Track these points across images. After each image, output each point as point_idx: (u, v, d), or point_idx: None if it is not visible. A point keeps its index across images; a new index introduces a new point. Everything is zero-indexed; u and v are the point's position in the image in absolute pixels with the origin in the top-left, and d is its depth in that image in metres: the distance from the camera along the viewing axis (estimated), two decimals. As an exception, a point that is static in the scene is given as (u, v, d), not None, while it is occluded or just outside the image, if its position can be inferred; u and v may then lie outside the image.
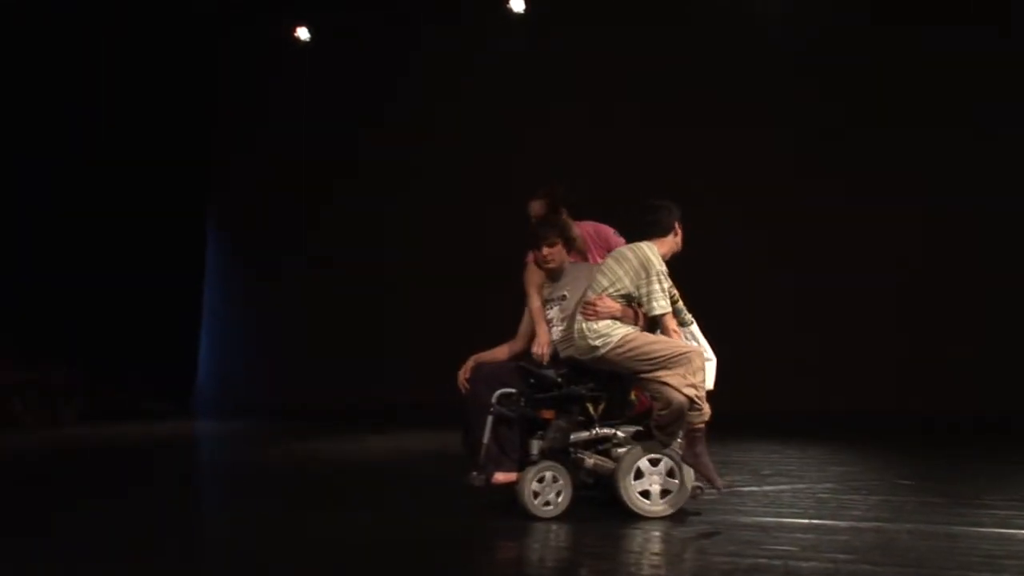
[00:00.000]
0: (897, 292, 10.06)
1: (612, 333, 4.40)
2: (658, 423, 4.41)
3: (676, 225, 4.64)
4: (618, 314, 4.44)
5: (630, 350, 4.36)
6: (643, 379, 4.40)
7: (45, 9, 10.74)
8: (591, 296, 4.51)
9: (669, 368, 4.31)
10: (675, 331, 4.48)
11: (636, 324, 4.51)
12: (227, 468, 7.36)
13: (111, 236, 11.88)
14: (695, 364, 4.32)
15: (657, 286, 4.43)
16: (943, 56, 9.82)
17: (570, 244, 4.84)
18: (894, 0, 10.10)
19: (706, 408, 4.34)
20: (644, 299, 4.45)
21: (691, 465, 4.39)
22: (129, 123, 12.04)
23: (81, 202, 11.72)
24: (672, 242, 4.63)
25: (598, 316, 4.42)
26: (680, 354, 4.32)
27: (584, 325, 4.45)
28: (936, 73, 9.89)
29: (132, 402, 11.76)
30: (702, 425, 4.33)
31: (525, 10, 11.24)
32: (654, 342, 4.38)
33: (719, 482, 4.38)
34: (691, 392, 4.28)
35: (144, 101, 12.11)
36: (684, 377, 4.29)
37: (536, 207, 5.04)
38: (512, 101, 11.50)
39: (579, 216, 5.12)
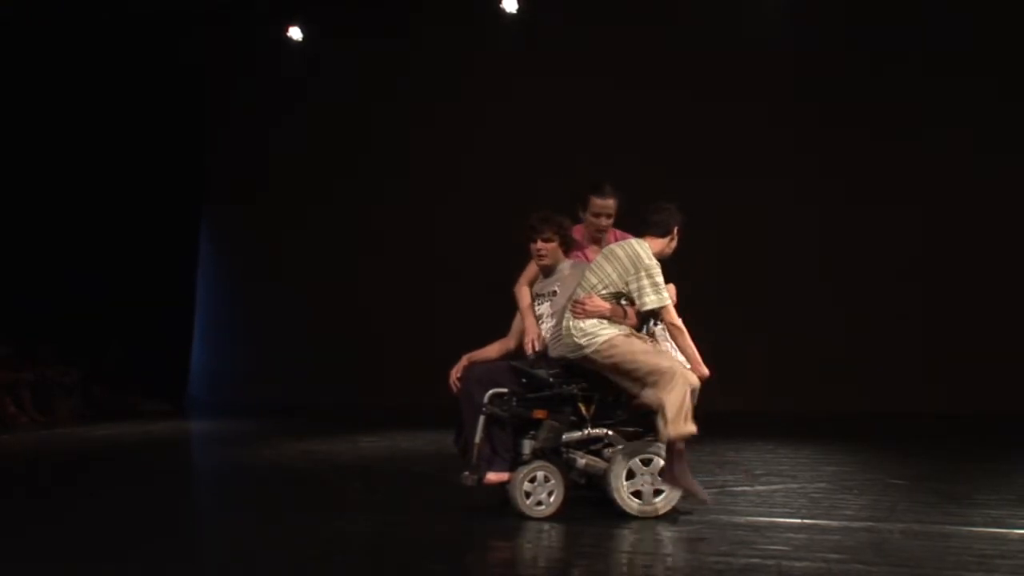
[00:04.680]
0: (892, 293, 10.07)
1: (599, 333, 4.39)
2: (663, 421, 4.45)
3: (675, 230, 4.63)
4: (607, 313, 4.44)
5: (611, 356, 4.35)
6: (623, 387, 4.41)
7: (42, 9, 10.72)
8: (580, 294, 4.50)
9: (647, 384, 4.29)
10: (674, 324, 4.45)
11: (626, 322, 4.51)
12: (220, 468, 7.34)
13: (106, 236, 11.87)
14: (675, 382, 4.23)
15: (646, 281, 4.41)
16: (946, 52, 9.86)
17: (568, 245, 4.85)
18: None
19: (686, 427, 4.22)
20: (635, 295, 4.44)
21: (673, 484, 4.29)
22: (123, 124, 12.02)
23: (76, 202, 11.70)
24: (665, 244, 4.61)
25: (586, 314, 4.42)
26: (660, 371, 4.27)
27: (572, 323, 4.44)
28: (943, 72, 9.90)
29: (126, 402, 11.71)
30: (682, 443, 4.27)
31: (518, 10, 11.20)
32: (636, 355, 4.33)
33: (704, 495, 4.30)
34: (665, 412, 4.22)
35: (139, 100, 12.09)
36: (659, 397, 4.24)
37: (609, 204, 4.85)
38: (509, 101, 11.49)
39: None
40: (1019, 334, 9.46)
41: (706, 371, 4.44)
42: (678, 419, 4.22)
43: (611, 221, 4.90)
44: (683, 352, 4.46)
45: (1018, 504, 4.65)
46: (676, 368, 4.30)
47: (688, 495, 4.35)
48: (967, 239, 9.85)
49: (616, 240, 4.81)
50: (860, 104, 10.26)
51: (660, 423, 4.26)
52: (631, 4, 11.07)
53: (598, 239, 4.94)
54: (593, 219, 4.88)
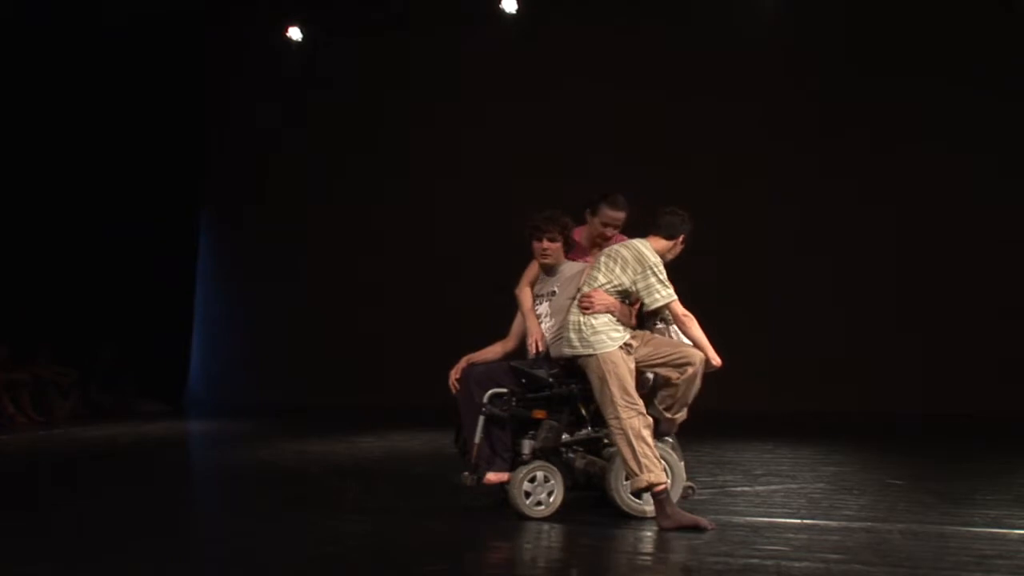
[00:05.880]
0: (892, 293, 10.08)
1: (607, 342, 4.38)
2: (663, 405, 4.52)
3: (682, 236, 4.63)
4: (614, 308, 4.45)
5: (600, 378, 4.36)
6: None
7: (40, 10, 10.71)
8: (587, 290, 4.51)
9: (616, 411, 4.31)
10: (685, 315, 4.48)
11: (631, 321, 4.57)
12: (219, 468, 7.34)
13: (103, 236, 11.84)
14: (638, 428, 4.27)
15: (653, 279, 4.44)
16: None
17: (569, 245, 4.86)
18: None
19: (651, 475, 4.21)
20: (643, 293, 4.47)
21: (670, 528, 4.20)
22: (123, 124, 12.00)
23: (75, 202, 11.68)
24: (668, 247, 4.61)
25: (594, 309, 4.42)
26: (627, 416, 4.28)
27: (583, 319, 4.44)
28: (944, 73, 9.89)
29: (124, 402, 11.70)
30: (663, 488, 4.26)
31: (517, 11, 11.19)
32: (616, 390, 4.31)
33: (705, 523, 4.22)
34: (628, 468, 4.27)
35: (137, 101, 12.08)
36: (626, 429, 4.27)
37: (620, 217, 4.83)
38: (509, 101, 11.48)
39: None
40: (1018, 335, 9.47)
41: (718, 360, 4.47)
42: (639, 471, 4.24)
43: (616, 232, 4.90)
44: (695, 343, 4.49)
45: (1016, 504, 4.66)
46: (647, 421, 4.33)
47: (692, 528, 4.20)
48: (967, 239, 9.85)
49: (617, 242, 4.82)
50: (860, 104, 10.27)
51: (629, 482, 4.33)
52: (631, 4, 11.07)
53: (600, 245, 4.93)
54: (600, 227, 4.87)
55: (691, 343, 4.54)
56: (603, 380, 4.35)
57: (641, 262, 4.47)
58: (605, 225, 4.85)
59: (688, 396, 4.52)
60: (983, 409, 9.09)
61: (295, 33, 12.30)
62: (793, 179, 10.37)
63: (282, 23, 12.22)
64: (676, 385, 4.46)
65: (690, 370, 4.43)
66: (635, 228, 4.82)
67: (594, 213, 4.87)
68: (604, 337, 4.39)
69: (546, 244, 4.76)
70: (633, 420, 4.29)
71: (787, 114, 10.46)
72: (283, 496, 5.59)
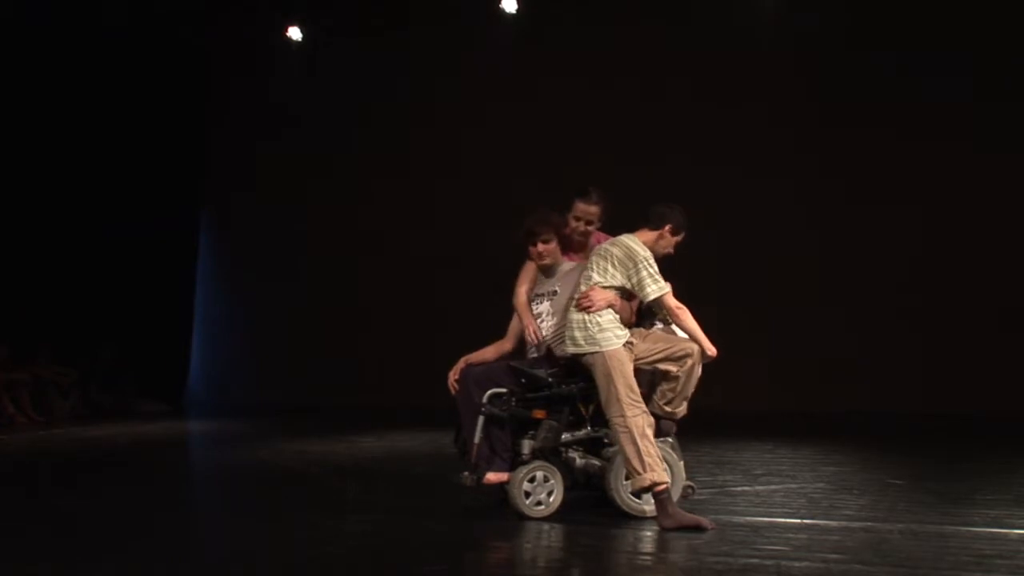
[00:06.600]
0: (892, 292, 10.07)
1: (613, 340, 4.39)
2: (664, 400, 4.52)
3: (667, 226, 4.60)
4: (615, 303, 4.47)
5: (606, 375, 4.35)
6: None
7: (41, 12, 10.72)
8: (583, 289, 4.52)
9: (622, 409, 4.31)
10: (678, 308, 4.48)
11: (631, 318, 4.61)
12: (219, 468, 7.34)
13: (103, 236, 11.85)
14: (642, 427, 4.28)
15: (645, 272, 4.45)
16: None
17: (564, 244, 4.86)
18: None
19: (653, 474, 4.22)
20: (637, 288, 4.48)
21: (671, 528, 4.19)
22: (123, 123, 12.00)
23: (75, 202, 11.68)
24: (654, 237, 4.59)
25: (596, 307, 4.43)
26: (633, 415, 4.29)
27: (587, 316, 4.44)
28: (943, 72, 9.88)
29: (124, 402, 11.70)
30: (664, 487, 4.26)
31: (517, 10, 11.19)
32: (622, 388, 4.31)
33: (706, 523, 4.21)
34: (631, 467, 4.27)
35: (137, 101, 12.08)
36: (631, 427, 4.27)
37: (593, 211, 4.81)
38: (509, 101, 11.49)
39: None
40: (1019, 334, 9.47)
41: (714, 350, 4.48)
42: (642, 469, 4.23)
43: (592, 228, 4.86)
44: (690, 334, 4.50)
45: (1016, 504, 4.66)
46: (649, 419, 4.33)
47: (692, 528, 4.20)
48: (967, 239, 9.85)
49: (600, 242, 4.81)
50: (860, 104, 10.26)
51: (631, 481, 4.33)
52: (631, 4, 11.07)
53: (581, 243, 4.91)
54: (573, 222, 4.84)
55: (687, 336, 4.54)
56: (609, 377, 4.35)
57: (631, 257, 4.48)
58: (577, 219, 4.83)
59: (688, 389, 4.52)
60: (983, 409, 9.09)
61: (295, 33, 12.30)
62: (793, 178, 10.36)
63: (282, 23, 12.22)
64: (676, 378, 4.47)
65: (689, 361, 4.45)
66: (635, 230, 4.81)
67: (568, 208, 4.87)
68: (610, 335, 4.40)
69: (541, 247, 4.76)
70: (638, 418, 4.29)
71: (787, 114, 10.46)
72: (283, 496, 5.59)
